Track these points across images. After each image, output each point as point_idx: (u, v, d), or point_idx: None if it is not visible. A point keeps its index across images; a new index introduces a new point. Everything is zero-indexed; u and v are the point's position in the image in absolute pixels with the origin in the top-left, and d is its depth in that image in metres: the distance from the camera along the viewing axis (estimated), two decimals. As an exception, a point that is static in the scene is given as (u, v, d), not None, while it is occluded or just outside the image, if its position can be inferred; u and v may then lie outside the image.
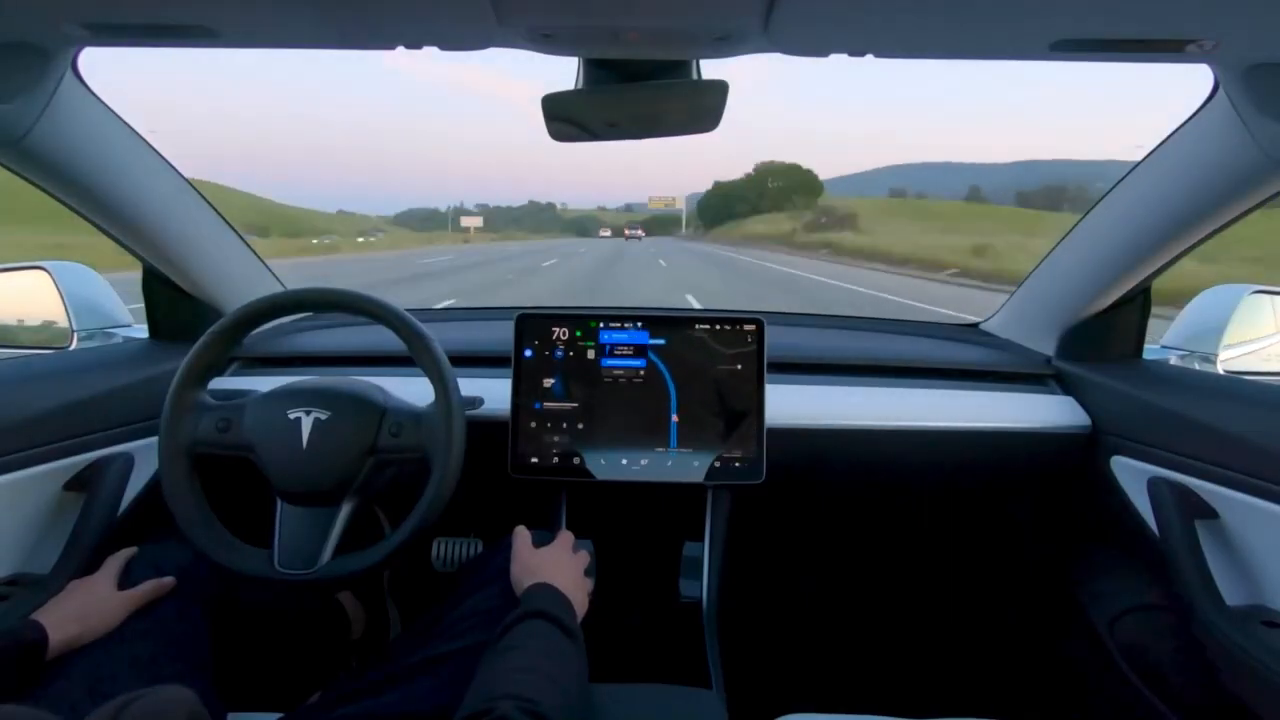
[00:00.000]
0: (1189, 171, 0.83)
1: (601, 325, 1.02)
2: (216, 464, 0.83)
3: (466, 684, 0.57)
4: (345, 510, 0.81)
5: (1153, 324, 1.09)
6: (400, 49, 0.63)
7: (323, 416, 0.81)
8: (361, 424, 0.82)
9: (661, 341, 1.01)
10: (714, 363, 1.01)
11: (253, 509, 0.87)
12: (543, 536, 0.83)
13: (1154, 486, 0.91)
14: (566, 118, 0.77)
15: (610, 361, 1.01)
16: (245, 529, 0.84)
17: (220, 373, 1.09)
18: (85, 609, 0.71)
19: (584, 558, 0.82)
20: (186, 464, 0.81)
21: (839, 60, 0.64)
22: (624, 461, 0.99)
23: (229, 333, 0.85)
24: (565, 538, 0.83)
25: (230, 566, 0.79)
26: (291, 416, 0.81)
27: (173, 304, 1.10)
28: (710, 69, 0.72)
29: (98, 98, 0.82)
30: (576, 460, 0.99)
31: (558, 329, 1.01)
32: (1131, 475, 0.97)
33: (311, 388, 0.85)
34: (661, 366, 1.01)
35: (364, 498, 0.83)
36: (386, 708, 0.68)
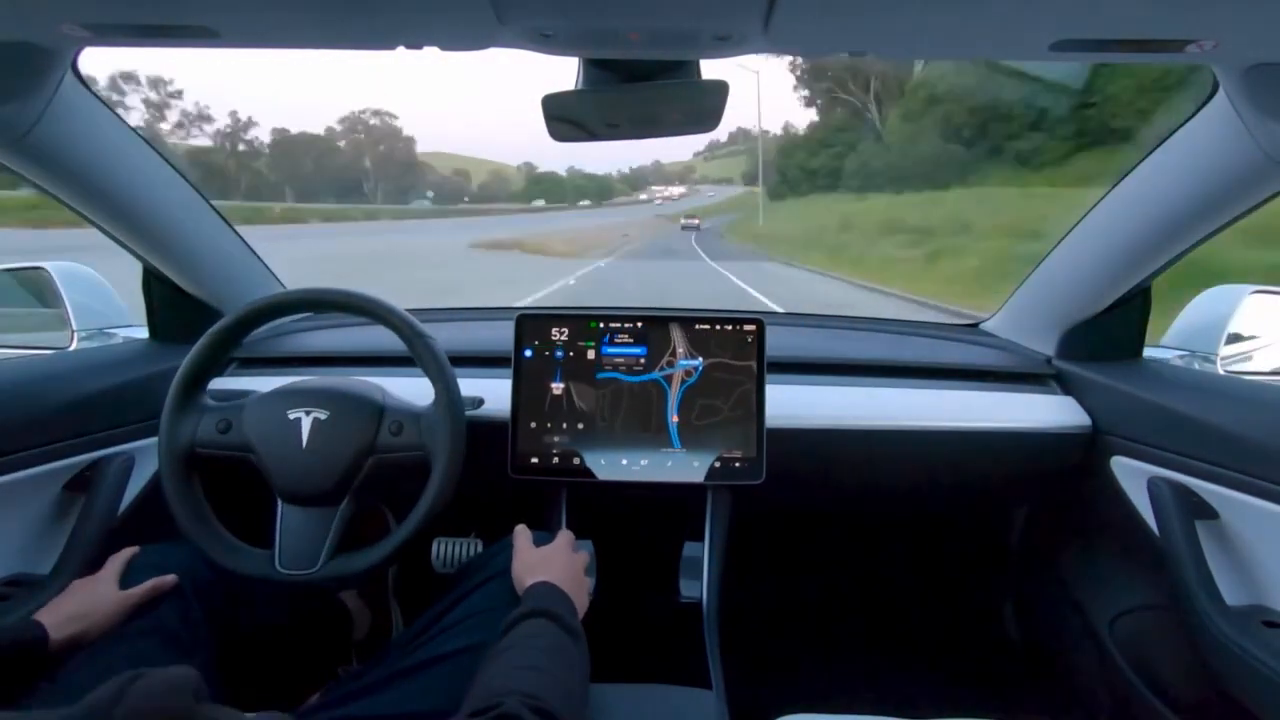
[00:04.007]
0: (1189, 171, 0.83)
1: (601, 325, 1.02)
2: (217, 465, 0.83)
3: (467, 683, 0.58)
4: (345, 510, 0.81)
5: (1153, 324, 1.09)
6: (400, 49, 0.63)
7: (322, 416, 0.81)
8: (361, 423, 0.82)
9: (661, 342, 1.01)
10: (714, 363, 1.01)
11: (253, 510, 0.87)
12: (543, 536, 0.83)
13: (1154, 486, 0.91)
14: (566, 118, 0.77)
15: (610, 362, 1.01)
16: (246, 530, 0.84)
17: (220, 373, 1.09)
18: (86, 608, 0.71)
19: (584, 556, 0.82)
20: (187, 465, 0.81)
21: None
22: (624, 461, 0.99)
23: (229, 334, 0.85)
24: (565, 537, 0.83)
25: (231, 568, 0.79)
26: (291, 417, 0.81)
27: (173, 304, 1.10)
28: (710, 69, 0.72)
29: (98, 98, 0.82)
30: (576, 460, 0.99)
31: (558, 329, 1.01)
32: (1131, 475, 0.97)
33: (310, 388, 0.85)
34: (661, 367, 1.01)
35: (364, 498, 0.83)
36: (387, 707, 0.68)
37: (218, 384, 1.04)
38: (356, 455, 0.81)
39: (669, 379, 1.00)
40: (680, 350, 1.01)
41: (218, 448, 0.82)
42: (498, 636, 0.64)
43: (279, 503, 0.82)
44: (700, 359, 1.00)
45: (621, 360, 1.01)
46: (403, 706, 0.68)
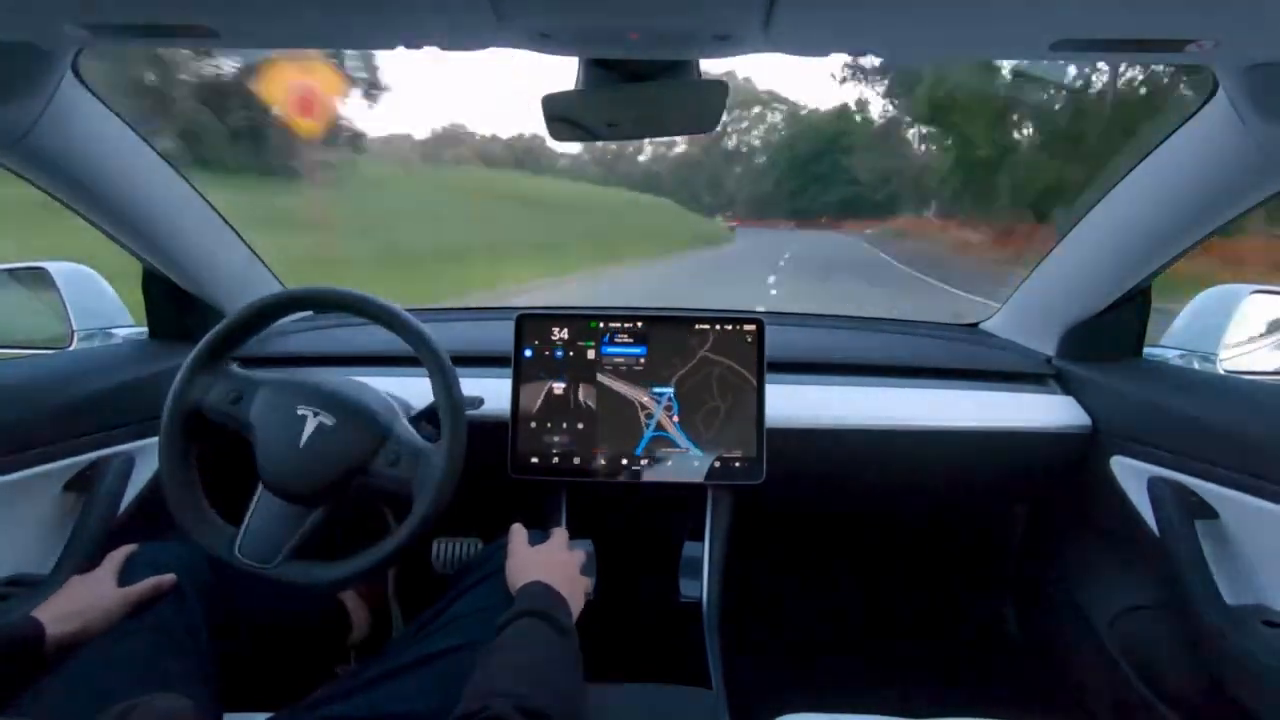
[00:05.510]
0: (1189, 171, 0.83)
1: (601, 325, 1.02)
2: (217, 433, 0.82)
3: (461, 682, 0.58)
4: (316, 515, 0.81)
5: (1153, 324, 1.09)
6: (400, 49, 0.63)
7: (328, 422, 0.80)
8: (362, 442, 0.81)
9: (661, 342, 1.01)
10: (714, 363, 1.01)
11: (237, 490, 0.87)
12: (539, 535, 0.83)
13: (1154, 486, 0.91)
14: (566, 118, 0.77)
15: (610, 362, 1.01)
16: (224, 508, 0.83)
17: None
18: (84, 606, 0.71)
19: (579, 555, 0.82)
20: (186, 422, 0.81)
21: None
22: (624, 461, 0.99)
23: (271, 311, 0.85)
24: (560, 536, 0.83)
25: (193, 536, 0.79)
26: (299, 413, 0.81)
27: (172, 304, 1.10)
28: (710, 69, 0.72)
29: (98, 98, 0.82)
30: (576, 460, 0.99)
31: (557, 329, 1.01)
32: (1131, 475, 0.97)
33: (326, 389, 0.84)
34: (661, 366, 1.01)
35: (339, 509, 0.83)
36: (381, 706, 0.68)
37: None
38: (347, 471, 0.80)
39: (661, 426, 1.00)
40: (646, 400, 1.00)
41: (221, 415, 0.82)
42: (492, 636, 0.64)
43: (259, 488, 0.82)
44: (670, 392, 1.00)
45: (621, 360, 1.01)
46: (397, 705, 0.68)
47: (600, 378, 1.01)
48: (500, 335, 1.04)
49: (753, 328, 1.01)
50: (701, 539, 1.04)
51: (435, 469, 0.80)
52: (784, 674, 1.29)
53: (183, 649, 0.72)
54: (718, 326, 1.01)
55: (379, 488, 0.81)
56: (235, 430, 0.82)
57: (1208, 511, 0.86)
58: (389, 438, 0.82)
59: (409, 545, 0.79)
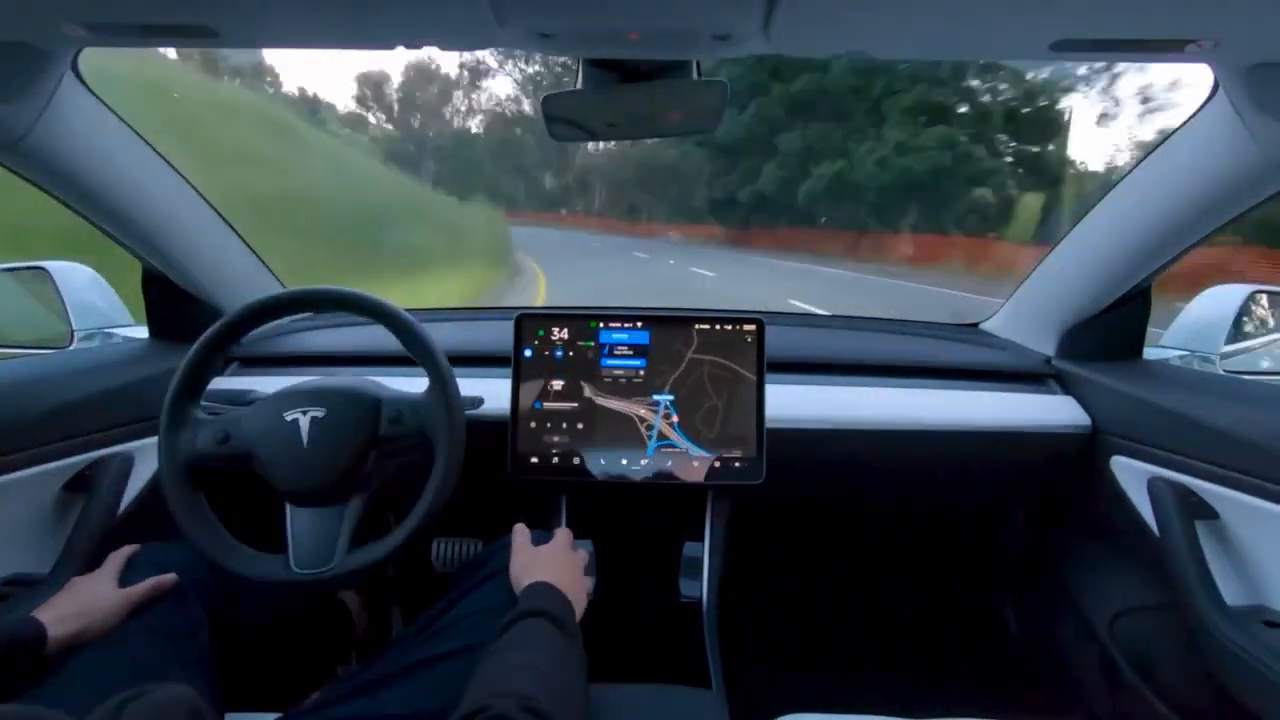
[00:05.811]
0: (1189, 171, 0.84)
1: (601, 325, 1.02)
2: (219, 474, 0.82)
3: (464, 683, 0.58)
4: (355, 506, 0.81)
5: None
6: (400, 49, 0.64)
7: (320, 414, 0.81)
8: (360, 416, 0.82)
9: (661, 341, 1.01)
10: (714, 363, 1.01)
11: (258, 515, 0.87)
12: (541, 536, 0.83)
13: (1154, 486, 0.91)
14: (566, 118, 0.77)
15: (610, 362, 1.01)
16: (253, 535, 0.84)
17: (219, 373, 1.09)
18: (85, 606, 0.71)
19: (582, 556, 0.82)
20: (189, 479, 0.81)
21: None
22: (624, 461, 0.99)
23: (221, 339, 0.84)
24: (564, 536, 0.83)
25: (248, 574, 0.78)
26: (289, 419, 0.81)
27: (172, 304, 1.10)
28: (710, 69, 0.72)
29: (98, 98, 0.82)
30: (576, 460, 0.99)
31: (557, 329, 1.01)
32: (1131, 475, 0.97)
33: (304, 388, 0.85)
34: (661, 367, 1.01)
35: (372, 491, 0.83)
36: (384, 707, 0.68)
37: (217, 384, 1.04)
38: (359, 448, 0.80)
39: (663, 434, 1.00)
40: (644, 412, 1.00)
41: (218, 460, 0.81)
42: (494, 637, 0.64)
43: (286, 506, 0.82)
44: (670, 394, 1.00)
45: (620, 370, 1.01)
46: (399, 706, 0.68)
47: (600, 398, 1.01)
48: (500, 335, 1.04)
49: (752, 328, 1.01)
50: (701, 539, 1.04)
51: (438, 411, 0.81)
52: (784, 674, 1.29)
53: (184, 650, 0.72)
54: (718, 326, 1.01)
55: (396, 449, 0.83)
56: (237, 465, 0.81)
57: (1208, 511, 0.86)
58: (382, 402, 0.83)
59: (450, 484, 0.81)
